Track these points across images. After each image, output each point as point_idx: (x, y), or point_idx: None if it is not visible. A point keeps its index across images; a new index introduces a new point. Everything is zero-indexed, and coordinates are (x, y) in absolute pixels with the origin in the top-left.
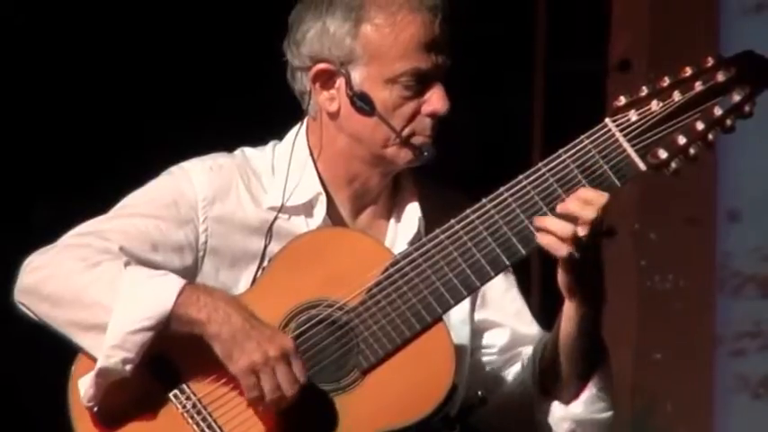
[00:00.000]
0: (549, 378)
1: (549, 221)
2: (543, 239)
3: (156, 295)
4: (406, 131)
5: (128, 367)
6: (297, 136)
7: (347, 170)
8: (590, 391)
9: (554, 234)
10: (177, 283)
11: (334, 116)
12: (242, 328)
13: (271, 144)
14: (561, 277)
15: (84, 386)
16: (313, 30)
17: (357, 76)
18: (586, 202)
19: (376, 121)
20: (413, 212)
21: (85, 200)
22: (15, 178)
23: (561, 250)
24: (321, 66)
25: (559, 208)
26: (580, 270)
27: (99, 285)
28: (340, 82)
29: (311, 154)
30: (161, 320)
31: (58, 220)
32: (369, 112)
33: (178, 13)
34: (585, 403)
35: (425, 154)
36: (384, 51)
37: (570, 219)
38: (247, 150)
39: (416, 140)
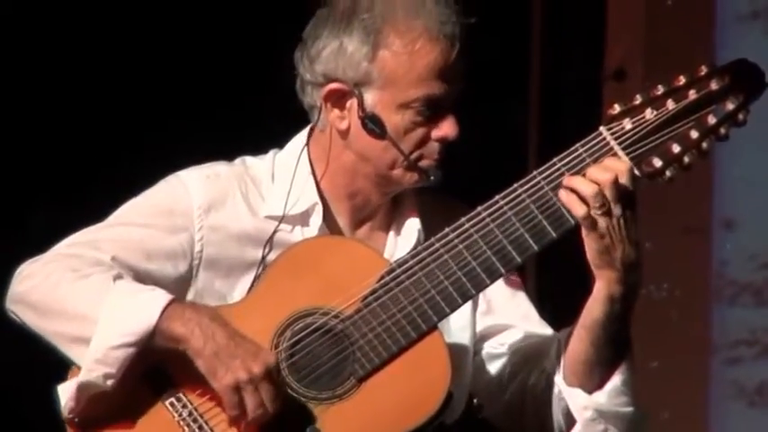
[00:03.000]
0: (573, 365)
1: (575, 180)
2: (564, 197)
3: (140, 311)
4: (414, 155)
5: (109, 382)
6: (303, 148)
7: (350, 184)
8: (614, 383)
9: (576, 192)
10: (163, 298)
11: (343, 134)
12: (226, 346)
13: (272, 152)
14: (588, 250)
15: (64, 395)
16: (329, 48)
17: (370, 98)
18: (607, 169)
19: (385, 143)
20: (413, 225)
21: (83, 206)
22: (12, 184)
23: (579, 210)
24: (334, 85)
25: (586, 172)
26: (607, 241)
27: (86, 298)
28: (352, 102)
29: (311, 164)
30: (144, 336)
31: (55, 227)
32: (379, 135)
33: (178, 20)
34: (609, 394)
35: (432, 178)
36: (400, 77)
37: (593, 182)
38: (248, 159)
39: (424, 164)
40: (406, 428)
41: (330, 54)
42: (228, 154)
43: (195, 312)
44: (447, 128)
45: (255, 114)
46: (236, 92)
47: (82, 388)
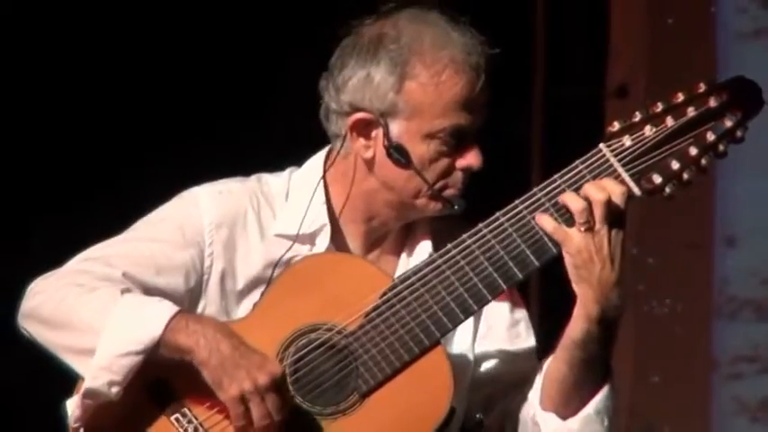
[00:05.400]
0: (550, 387)
1: (567, 196)
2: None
3: (146, 321)
4: (438, 185)
5: (114, 389)
6: (321, 171)
7: (368, 209)
8: (587, 411)
9: (567, 207)
10: (169, 309)
11: (367, 162)
12: (231, 356)
13: (288, 170)
14: (566, 264)
15: (71, 407)
16: (356, 78)
17: (396, 128)
18: (601, 189)
19: (410, 172)
20: (425, 248)
21: (89, 221)
22: (17, 199)
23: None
24: (360, 115)
25: (582, 189)
26: (585, 256)
27: (92, 310)
28: (377, 132)
29: (326, 187)
30: (149, 346)
31: (59, 242)
32: (404, 165)
33: (184, 34)
34: (581, 422)
35: (456, 207)
36: (426, 108)
37: (585, 198)
38: (264, 176)
39: (448, 193)
40: None
41: (357, 84)
42: (231, 170)
43: (200, 324)
44: (471, 158)
45: (257, 133)
46: (237, 108)
47: (87, 395)
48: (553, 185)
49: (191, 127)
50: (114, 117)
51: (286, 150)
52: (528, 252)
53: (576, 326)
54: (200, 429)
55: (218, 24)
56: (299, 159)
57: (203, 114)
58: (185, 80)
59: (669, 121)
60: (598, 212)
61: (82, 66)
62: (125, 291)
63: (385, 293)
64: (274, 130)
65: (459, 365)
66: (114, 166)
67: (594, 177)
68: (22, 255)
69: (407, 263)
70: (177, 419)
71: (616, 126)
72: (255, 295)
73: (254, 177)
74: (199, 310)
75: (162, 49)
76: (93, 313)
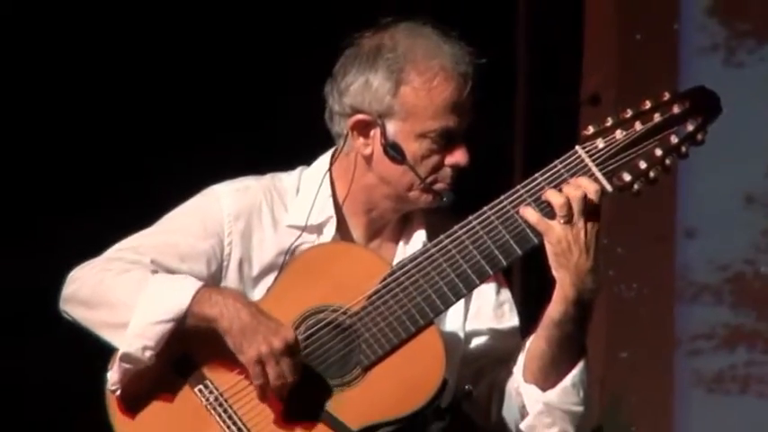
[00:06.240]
0: (531, 362)
1: (549, 192)
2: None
3: (174, 294)
4: (429, 179)
5: (147, 354)
6: (327, 168)
7: (368, 201)
8: (565, 384)
9: (549, 202)
10: (194, 284)
11: (366, 158)
12: (250, 323)
13: (299, 168)
14: (548, 253)
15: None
16: (356, 83)
17: (392, 128)
18: (578, 186)
19: (404, 168)
20: (419, 237)
21: (116, 219)
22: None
23: (549, 215)
24: (360, 116)
25: (562, 187)
26: (564, 246)
27: (126, 289)
28: (375, 131)
29: (332, 183)
30: (178, 315)
31: (89, 240)
32: (399, 161)
33: (191, 39)
34: (559, 393)
35: (444, 199)
36: (419, 110)
37: (564, 195)
38: (277, 174)
39: (438, 187)
40: (408, 411)
41: (357, 89)
42: (253, 170)
43: (222, 295)
44: (459, 156)
45: (275, 135)
46: (240, 114)
47: (123, 359)
48: (534, 183)
49: (209, 130)
50: (142, 122)
51: (295, 151)
52: (512, 242)
53: (555, 307)
54: (221, 399)
55: (238, 35)
56: (306, 160)
57: (222, 118)
58: (210, 86)
59: (637, 126)
60: (576, 207)
61: (113, 73)
62: (154, 272)
63: (385, 278)
64: (284, 134)
65: (451, 342)
66: (139, 167)
67: (571, 176)
68: (53, 253)
69: (405, 251)
70: (200, 390)
71: (590, 130)
72: (269, 280)
73: (268, 175)
74: None
75: (191, 54)
76: (127, 291)
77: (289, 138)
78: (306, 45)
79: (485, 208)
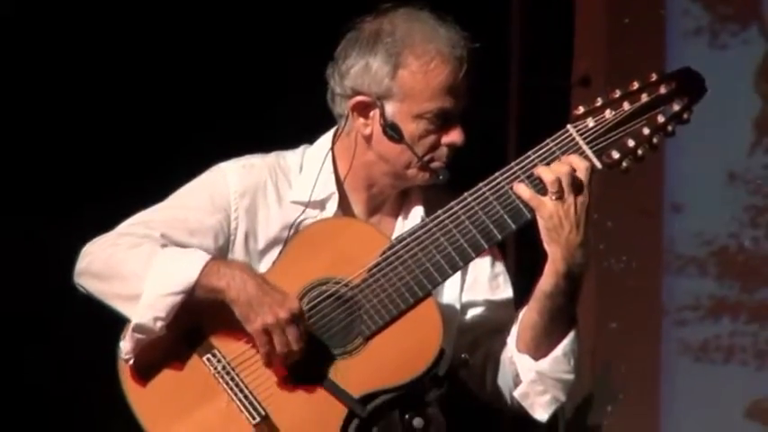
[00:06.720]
0: (523, 332)
1: (541, 169)
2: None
3: (184, 267)
4: (426, 157)
5: (158, 324)
6: (329, 147)
7: (368, 178)
8: (556, 353)
9: (541, 179)
10: (202, 257)
11: (366, 138)
12: (256, 294)
13: (302, 147)
14: (540, 227)
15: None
16: (357, 66)
17: (390, 109)
18: (569, 163)
19: (402, 147)
20: (417, 212)
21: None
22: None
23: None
24: (360, 98)
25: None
26: (555, 221)
27: (137, 262)
28: (375, 112)
29: (334, 161)
30: (188, 287)
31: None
32: (397, 140)
33: (190, 30)
34: (551, 362)
35: (441, 177)
36: (416, 92)
37: (554, 172)
38: (282, 152)
39: (434, 165)
40: (407, 378)
41: (357, 71)
42: (259, 148)
43: (229, 268)
44: (455, 135)
45: (281, 117)
46: (265, 99)
47: (135, 329)
48: (527, 160)
49: (215, 117)
50: (144, 113)
51: (294, 143)
52: (506, 216)
53: (547, 280)
54: (228, 367)
55: (242, 27)
56: (309, 138)
57: (228, 105)
58: (214, 78)
59: (626, 106)
60: (566, 183)
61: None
62: (164, 246)
63: (384, 252)
64: (283, 125)
65: (448, 313)
66: (141, 159)
67: (563, 153)
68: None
69: (403, 225)
70: (208, 359)
71: (581, 110)
72: (274, 254)
73: (273, 154)
74: None
75: (191, 44)
76: (138, 264)
77: (288, 129)
78: (306, 38)
79: (480, 184)
